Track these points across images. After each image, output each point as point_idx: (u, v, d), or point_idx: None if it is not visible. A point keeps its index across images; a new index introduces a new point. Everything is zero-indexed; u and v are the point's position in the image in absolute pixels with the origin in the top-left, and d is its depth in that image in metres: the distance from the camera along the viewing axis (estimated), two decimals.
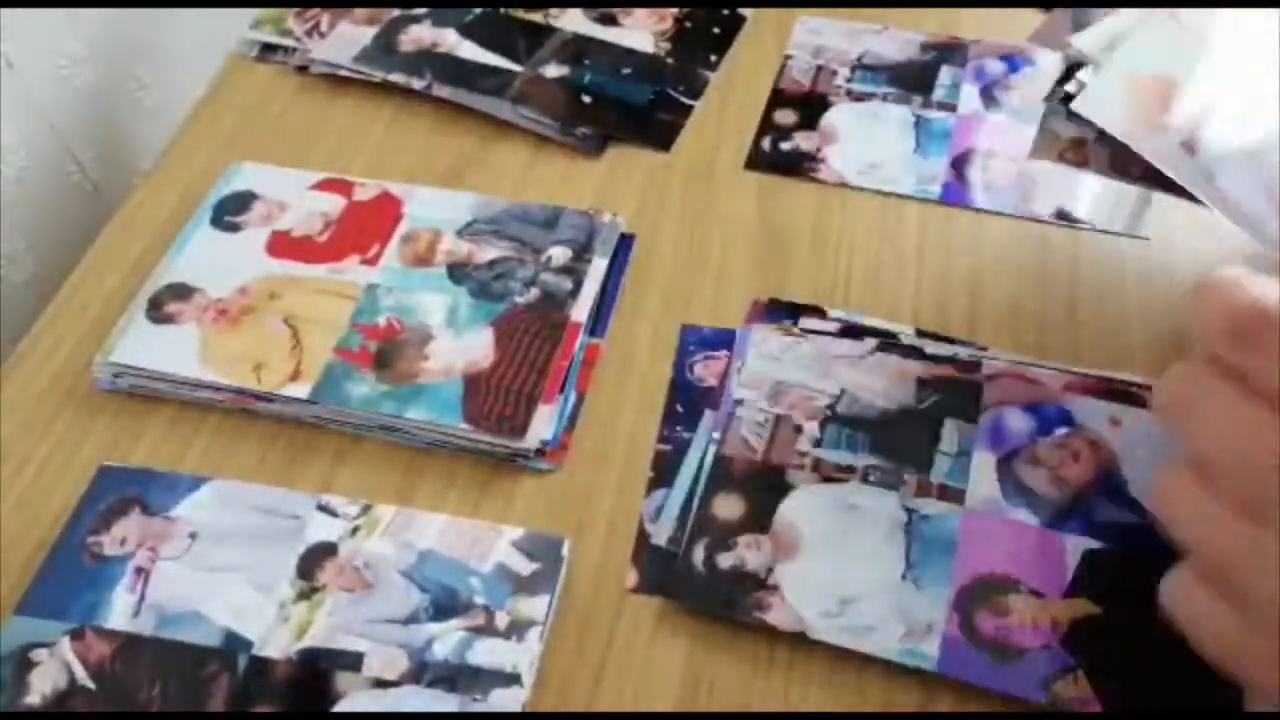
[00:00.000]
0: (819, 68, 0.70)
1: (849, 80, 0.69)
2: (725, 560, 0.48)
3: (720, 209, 0.64)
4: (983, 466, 0.49)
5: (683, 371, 0.56)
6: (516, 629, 0.46)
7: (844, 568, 0.47)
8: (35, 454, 0.54)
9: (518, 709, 0.44)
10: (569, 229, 0.61)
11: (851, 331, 0.56)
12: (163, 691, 0.45)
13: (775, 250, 0.61)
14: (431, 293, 0.58)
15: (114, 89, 0.77)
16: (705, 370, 0.56)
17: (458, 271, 0.59)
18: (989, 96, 0.68)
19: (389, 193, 0.63)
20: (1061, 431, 0.50)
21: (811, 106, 0.68)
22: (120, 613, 0.47)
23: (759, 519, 0.49)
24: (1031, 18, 0.71)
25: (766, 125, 0.68)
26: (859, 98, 0.68)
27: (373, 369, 0.54)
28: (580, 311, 0.57)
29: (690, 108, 0.69)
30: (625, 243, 0.61)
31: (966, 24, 0.73)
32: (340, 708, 0.44)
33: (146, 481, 0.52)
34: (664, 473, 0.52)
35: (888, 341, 0.55)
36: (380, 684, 0.45)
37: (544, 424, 0.52)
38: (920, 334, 0.56)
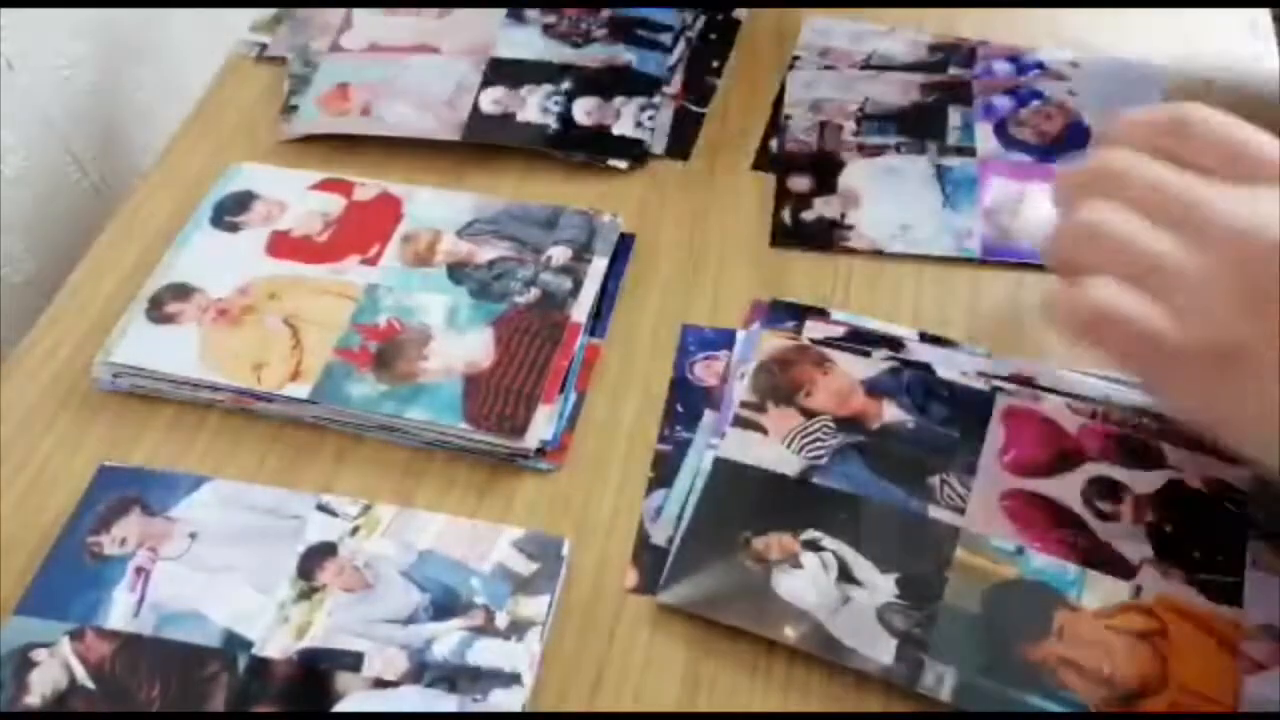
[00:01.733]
0: (823, 124, 0.66)
1: (856, 134, 0.65)
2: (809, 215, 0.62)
3: (721, 208, 0.64)
4: (984, 131, 0.64)
5: (683, 371, 0.56)
6: (516, 629, 0.46)
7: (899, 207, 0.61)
8: (35, 454, 0.54)
9: (518, 709, 0.44)
10: (569, 229, 0.61)
11: (857, 336, 0.56)
12: (162, 691, 0.45)
13: (775, 250, 0.61)
14: (431, 293, 0.58)
15: (114, 89, 0.77)
16: (705, 370, 0.56)
17: (458, 271, 0.59)
18: (1004, 134, 0.65)
19: (389, 193, 0.63)
20: (1035, 103, 0.65)
21: (824, 168, 0.64)
22: (120, 613, 0.47)
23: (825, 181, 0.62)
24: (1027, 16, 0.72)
25: (783, 196, 0.63)
26: (871, 152, 0.64)
27: (373, 369, 0.54)
28: (580, 311, 0.57)
29: (702, 115, 0.69)
30: (625, 243, 0.61)
31: (968, 25, 0.73)
32: (340, 708, 0.44)
33: (146, 481, 0.52)
34: (664, 473, 0.52)
35: (895, 357, 0.55)
36: (380, 684, 0.45)
37: (544, 424, 0.52)
38: (923, 338, 0.56)
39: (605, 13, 0.72)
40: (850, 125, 0.66)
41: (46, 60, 0.71)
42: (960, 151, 0.64)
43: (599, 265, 0.59)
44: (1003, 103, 0.66)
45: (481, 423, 0.52)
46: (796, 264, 0.61)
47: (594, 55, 0.70)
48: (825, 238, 0.61)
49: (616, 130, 0.66)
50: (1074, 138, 0.64)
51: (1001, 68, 0.68)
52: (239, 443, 0.54)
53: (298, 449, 0.54)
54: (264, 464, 0.53)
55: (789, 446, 0.51)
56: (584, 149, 0.66)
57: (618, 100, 0.68)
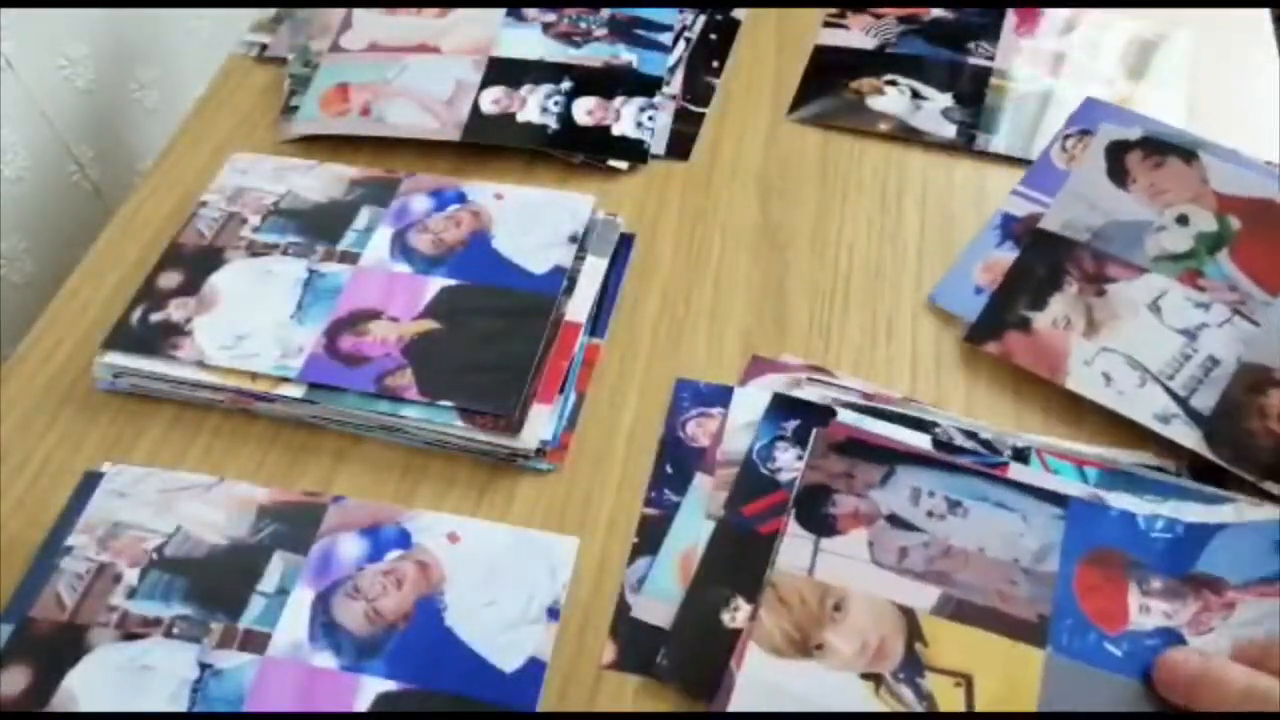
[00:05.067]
0: (230, 215, 0.61)
1: (256, 230, 0.60)
2: None
3: (720, 209, 0.64)
4: (298, 605, 0.47)
5: (674, 429, 0.54)
6: None
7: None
8: (35, 454, 0.54)
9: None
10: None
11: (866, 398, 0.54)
12: None
13: (775, 251, 0.61)
14: None
15: (114, 89, 0.77)
16: (698, 429, 0.54)
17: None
18: (401, 243, 0.60)
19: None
20: (393, 555, 0.49)
21: (203, 264, 0.59)
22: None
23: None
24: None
25: (146, 293, 0.58)
26: (259, 251, 0.59)
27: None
28: (578, 311, 0.57)
29: (702, 115, 0.69)
30: (625, 243, 0.61)
31: None
32: None
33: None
34: (649, 539, 0.50)
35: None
36: None
37: (544, 424, 0.52)
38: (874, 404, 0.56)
39: (605, 12, 0.72)
40: (255, 220, 0.61)
41: (46, 60, 0.71)
42: (345, 258, 0.59)
43: (595, 264, 0.59)
44: (420, 204, 0.61)
45: (478, 421, 0.52)
46: (796, 265, 0.61)
47: (594, 55, 0.70)
48: (154, 345, 0.55)
49: (616, 130, 0.66)
50: (476, 248, 0.59)
51: (419, 204, 0.62)
52: (239, 443, 0.54)
53: (298, 449, 0.54)
54: (264, 464, 0.53)
55: (867, 33, 0.72)
56: (584, 149, 0.66)
57: (618, 100, 0.68)
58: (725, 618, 0.47)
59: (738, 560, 0.49)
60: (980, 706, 0.44)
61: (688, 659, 0.46)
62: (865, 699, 0.44)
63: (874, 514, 0.49)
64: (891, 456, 0.51)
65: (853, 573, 0.47)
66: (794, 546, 0.48)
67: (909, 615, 0.46)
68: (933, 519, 0.49)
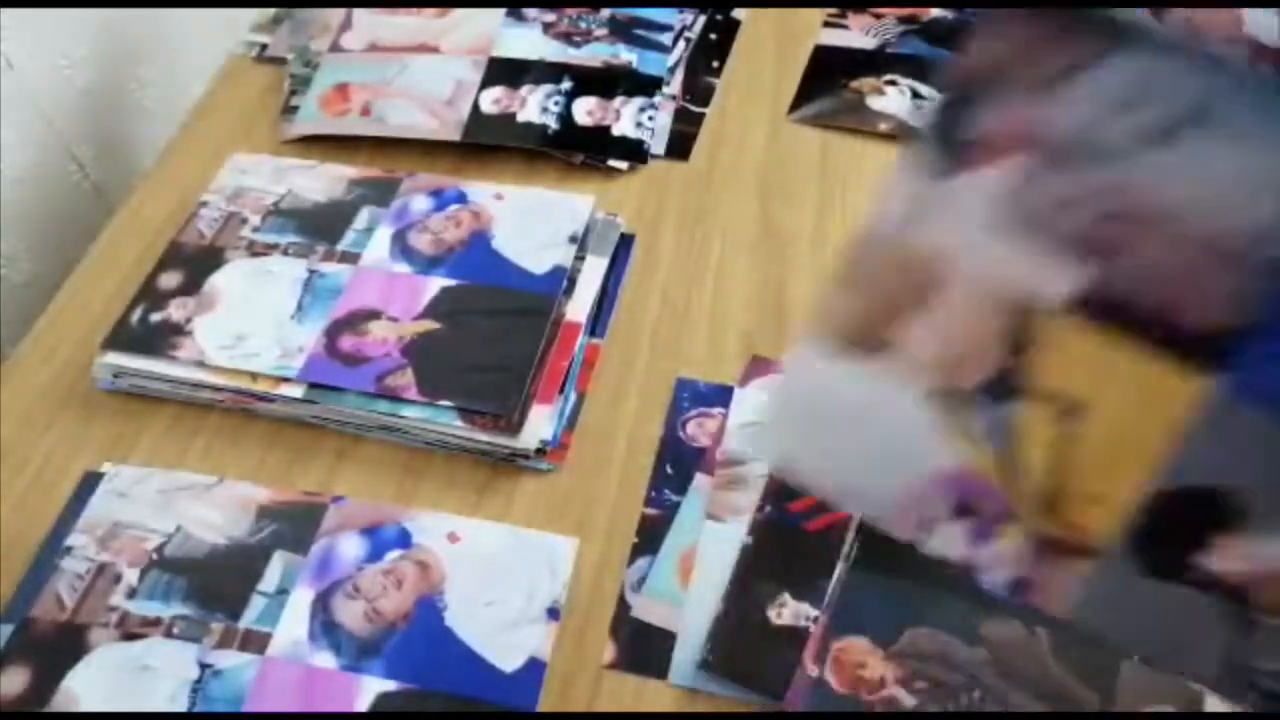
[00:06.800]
0: (230, 215, 0.61)
1: (256, 230, 0.61)
2: None
3: (720, 209, 0.64)
4: (298, 605, 0.47)
5: (674, 429, 0.53)
6: None
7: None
8: (35, 454, 0.54)
9: None
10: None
11: None
12: None
13: (775, 251, 0.61)
14: None
15: (114, 89, 0.77)
16: (698, 429, 0.54)
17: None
18: (401, 243, 0.60)
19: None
20: (393, 554, 0.49)
21: (203, 264, 0.59)
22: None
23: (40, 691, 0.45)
24: None
25: (146, 293, 0.58)
26: (259, 251, 0.60)
27: None
28: (578, 311, 0.57)
29: (702, 115, 0.69)
30: (625, 243, 0.61)
31: None
32: None
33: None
34: (649, 539, 0.50)
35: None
36: None
37: (543, 424, 0.52)
38: None
39: (605, 12, 0.72)
40: (255, 220, 0.61)
41: (46, 60, 0.71)
42: (345, 258, 0.59)
43: (595, 264, 0.59)
44: (420, 204, 0.61)
45: (478, 421, 0.52)
46: (796, 265, 0.61)
47: (594, 55, 0.70)
48: (154, 346, 0.55)
49: (616, 130, 0.66)
50: (476, 248, 0.59)
51: (419, 204, 0.62)
52: (239, 443, 0.54)
53: (298, 449, 0.54)
54: (264, 464, 0.53)
55: (867, 33, 0.72)
56: (584, 149, 0.66)
57: (618, 100, 0.68)
58: (772, 614, 0.47)
59: (784, 557, 0.48)
60: (1081, 455, 0.31)
61: (734, 654, 0.46)
62: (920, 425, 0.33)
63: (1037, 135, 0.31)
64: (1116, 31, 0.30)
65: (962, 236, 0.32)
66: (902, 187, 0.33)
67: (1024, 308, 0.31)
68: (1135, 144, 0.30)
